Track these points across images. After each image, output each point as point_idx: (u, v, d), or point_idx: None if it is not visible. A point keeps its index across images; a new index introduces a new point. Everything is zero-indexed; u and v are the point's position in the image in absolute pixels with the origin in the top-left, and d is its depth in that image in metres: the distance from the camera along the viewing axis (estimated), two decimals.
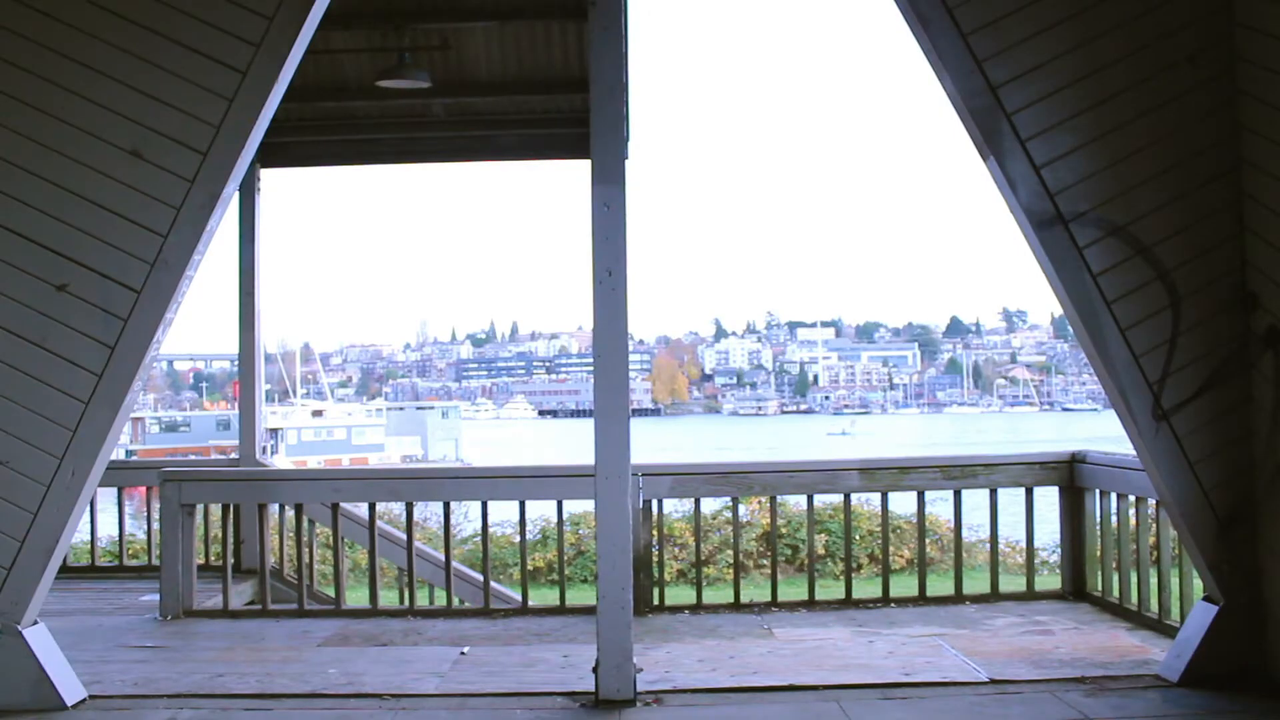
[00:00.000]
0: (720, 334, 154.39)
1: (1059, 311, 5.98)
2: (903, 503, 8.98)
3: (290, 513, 8.13)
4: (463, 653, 6.45)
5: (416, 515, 8.05)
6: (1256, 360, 5.30)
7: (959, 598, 7.58)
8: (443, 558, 7.91)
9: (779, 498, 8.16)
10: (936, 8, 5.17)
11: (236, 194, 7.36)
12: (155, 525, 8.79)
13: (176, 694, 5.66)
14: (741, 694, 5.58)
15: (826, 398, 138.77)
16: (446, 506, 7.88)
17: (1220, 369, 5.34)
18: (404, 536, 8.03)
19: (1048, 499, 7.79)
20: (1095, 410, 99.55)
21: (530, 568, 9.86)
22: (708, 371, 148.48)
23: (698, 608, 7.54)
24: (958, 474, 7.65)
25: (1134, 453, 5.72)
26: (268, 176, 9.17)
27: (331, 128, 9.24)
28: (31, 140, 5.17)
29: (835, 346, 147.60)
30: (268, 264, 9.11)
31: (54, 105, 5.15)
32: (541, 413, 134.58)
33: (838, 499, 8.53)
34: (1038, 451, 8.03)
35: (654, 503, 7.60)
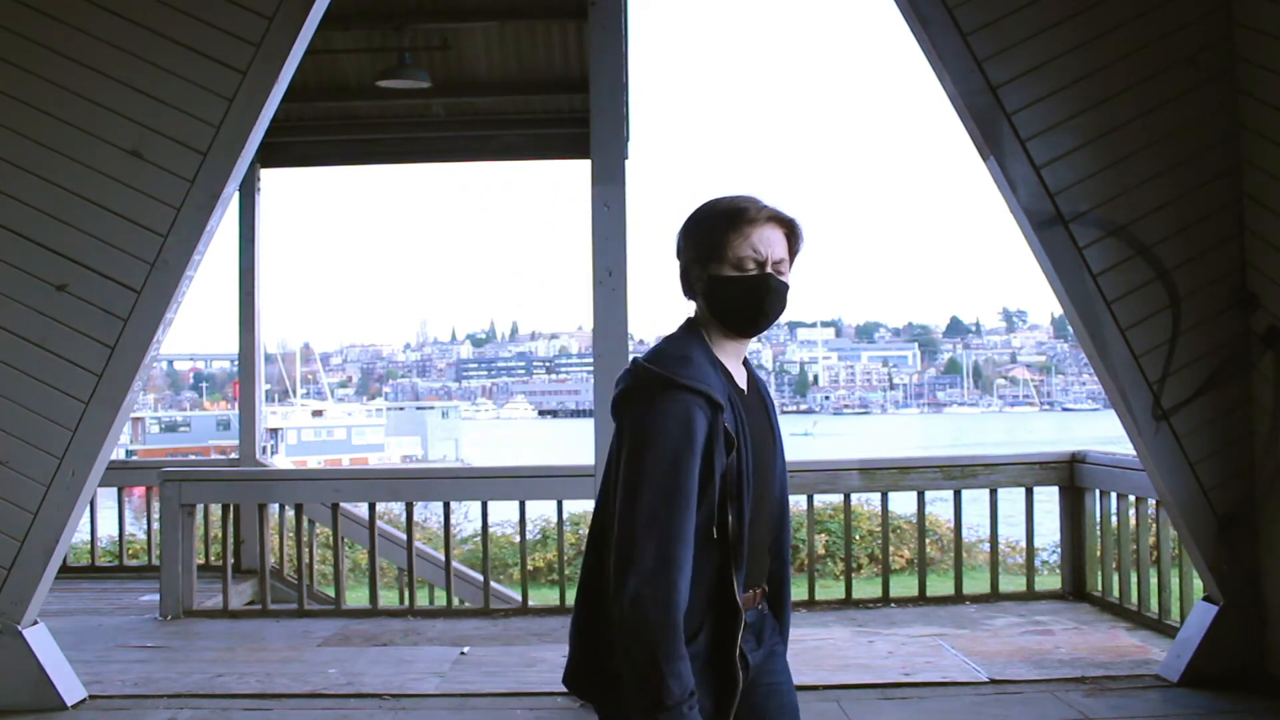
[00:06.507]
0: None
1: (1059, 311, 5.97)
2: (903, 503, 8.97)
3: (290, 513, 8.12)
4: (463, 653, 6.46)
5: (416, 515, 8.04)
6: (1256, 360, 5.30)
7: (959, 598, 7.58)
8: (443, 558, 7.91)
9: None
10: (936, 8, 5.16)
11: (236, 194, 7.36)
12: (155, 525, 8.79)
13: (176, 694, 5.66)
14: None
15: (826, 398, 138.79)
16: (446, 506, 7.87)
17: (1220, 369, 5.34)
18: (404, 536, 8.02)
19: (1048, 499, 7.79)
20: (1095, 410, 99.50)
21: (530, 568, 9.86)
22: None
23: None
24: (958, 474, 7.65)
25: (1134, 453, 5.72)
26: (268, 176, 9.16)
27: (331, 128, 9.23)
28: (31, 140, 5.16)
29: (835, 346, 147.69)
30: (268, 264, 9.12)
31: (54, 105, 5.14)
32: (541, 413, 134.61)
33: (838, 499, 8.52)
34: (1038, 451, 8.01)
35: None
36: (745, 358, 2.58)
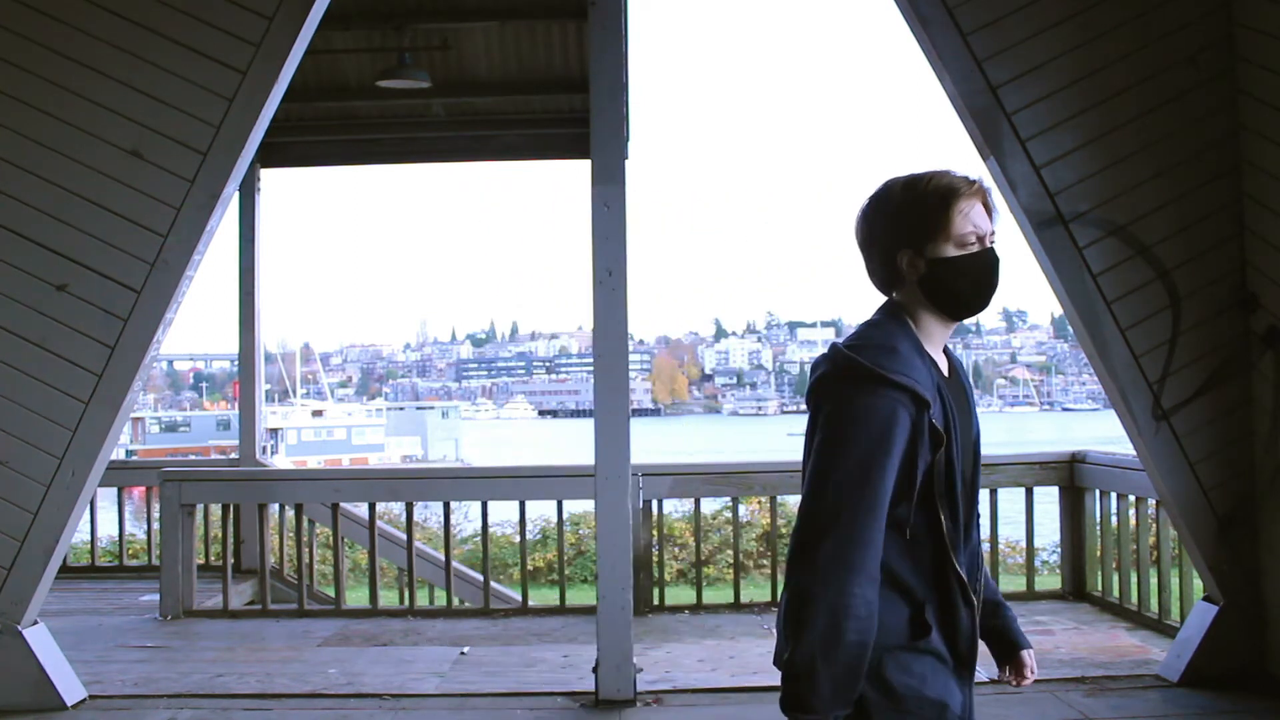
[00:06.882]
0: (720, 334, 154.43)
1: (1059, 311, 5.97)
2: None
3: (290, 513, 8.12)
4: (463, 653, 6.46)
5: (416, 515, 8.04)
6: (1256, 360, 5.30)
7: None
8: (443, 558, 7.91)
9: (779, 498, 8.15)
10: (936, 8, 5.16)
11: (236, 194, 7.36)
12: (155, 525, 8.79)
13: (176, 694, 5.66)
14: (742, 694, 5.58)
15: None
16: (446, 506, 7.88)
17: (1220, 369, 5.34)
18: (404, 536, 8.03)
19: (1048, 499, 7.79)
20: (1095, 410, 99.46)
21: (530, 568, 9.85)
22: (708, 371, 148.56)
23: (698, 608, 7.53)
24: None
25: (1134, 453, 5.72)
26: (268, 176, 9.16)
27: (331, 128, 9.23)
28: (31, 140, 5.16)
29: None
30: (268, 264, 9.11)
31: (54, 105, 5.14)
32: (541, 413, 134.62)
33: None
34: (1038, 451, 8.01)
35: (654, 503, 7.60)
36: (945, 344, 2.44)
